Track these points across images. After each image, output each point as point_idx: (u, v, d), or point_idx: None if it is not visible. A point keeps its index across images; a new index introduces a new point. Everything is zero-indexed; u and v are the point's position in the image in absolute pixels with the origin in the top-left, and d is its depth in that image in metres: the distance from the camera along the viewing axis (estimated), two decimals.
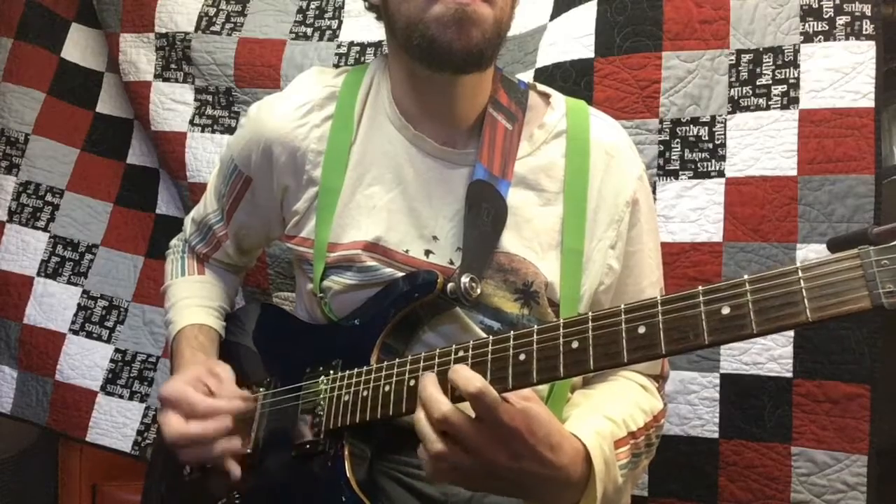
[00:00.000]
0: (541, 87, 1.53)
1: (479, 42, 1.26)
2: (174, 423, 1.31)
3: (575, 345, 1.02)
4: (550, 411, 1.10)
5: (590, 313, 1.03)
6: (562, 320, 1.05)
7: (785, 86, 1.75)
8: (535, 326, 1.07)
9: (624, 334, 0.98)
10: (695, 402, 1.77)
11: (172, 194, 2.37)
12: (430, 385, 1.08)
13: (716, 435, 1.75)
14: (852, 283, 0.84)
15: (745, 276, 0.91)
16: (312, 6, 2.21)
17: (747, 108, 1.78)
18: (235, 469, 1.32)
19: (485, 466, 1.06)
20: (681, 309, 0.95)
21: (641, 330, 0.97)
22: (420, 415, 1.07)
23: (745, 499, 1.72)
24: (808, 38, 1.73)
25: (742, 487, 1.72)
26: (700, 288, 0.94)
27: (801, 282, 0.87)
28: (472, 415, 1.05)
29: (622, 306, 1.00)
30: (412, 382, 1.18)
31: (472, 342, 1.13)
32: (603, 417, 1.24)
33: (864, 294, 0.83)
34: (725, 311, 0.91)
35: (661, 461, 1.50)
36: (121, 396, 2.28)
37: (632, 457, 1.25)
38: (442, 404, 1.04)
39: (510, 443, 1.04)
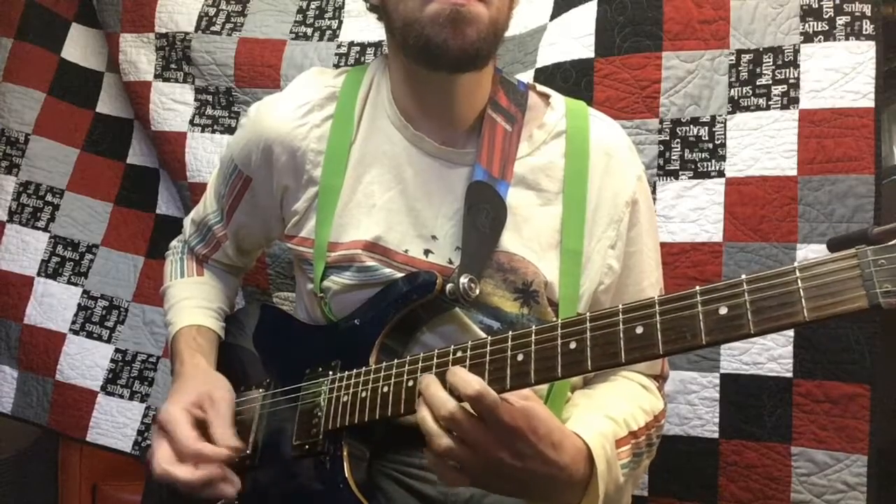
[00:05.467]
0: (540, 87, 1.54)
1: (474, 41, 1.26)
2: (163, 457, 1.29)
3: (573, 345, 1.03)
4: (550, 410, 1.11)
5: (587, 314, 1.03)
6: (559, 321, 1.06)
7: (785, 86, 1.75)
8: (533, 327, 1.08)
9: (622, 334, 0.98)
10: (695, 402, 1.77)
11: (172, 194, 2.37)
12: (432, 384, 1.08)
13: (716, 435, 1.75)
14: (849, 283, 0.84)
15: (743, 276, 0.91)
16: (312, 6, 2.22)
17: (747, 108, 1.77)
18: (236, 488, 1.32)
19: (489, 465, 1.06)
20: (678, 309, 0.95)
21: (639, 330, 0.97)
22: (424, 413, 1.08)
23: (745, 499, 1.72)
24: (808, 38, 1.73)
25: (742, 487, 1.72)
26: (697, 288, 0.94)
27: (799, 281, 0.87)
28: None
29: (620, 306, 1.00)
30: (410, 383, 1.18)
31: (470, 343, 1.14)
32: (604, 417, 1.24)
33: (861, 294, 0.83)
34: (723, 311, 0.91)
35: (661, 461, 1.50)
36: (121, 396, 2.28)
37: (633, 456, 1.25)
38: (448, 401, 1.05)
39: (513, 442, 1.05)
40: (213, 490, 1.29)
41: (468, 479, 1.10)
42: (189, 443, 1.28)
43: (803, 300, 0.86)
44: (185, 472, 1.27)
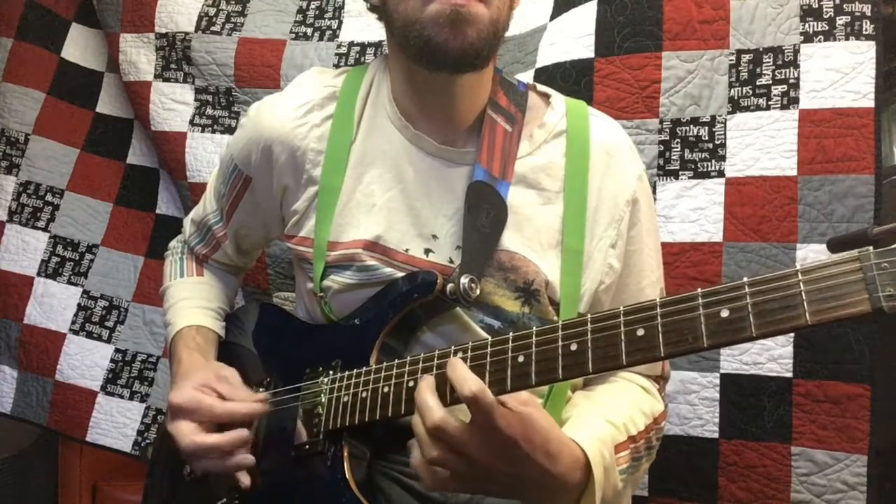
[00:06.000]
0: (540, 87, 1.53)
1: (474, 41, 1.26)
2: (188, 433, 1.31)
3: (574, 347, 1.03)
4: (550, 416, 1.11)
5: (588, 315, 1.03)
6: (560, 322, 1.06)
7: (785, 86, 1.74)
8: (534, 328, 1.08)
9: (623, 336, 0.99)
10: (695, 402, 1.77)
11: (172, 194, 2.37)
12: (425, 391, 1.08)
13: (716, 435, 1.75)
14: (852, 287, 0.84)
15: (745, 279, 0.91)
16: (312, 6, 2.21)
17: (747, 108, 1.77)
18: (245, 480, 1.33)
19: (480, 471, 1.07)
20: (680, 311, 0.95)
21: (640, 332, 0.97)
22: (416, 419, 1.08)
23: (745, 499, 1.72)
24: (808, 38, 1.73)
25: (742, 487, 1.72)
26: (699, 290, 0.94)
27: (801, 284, 0.87)
28: (469, 417, 1.05)
29: (621, 308, 1.01)
30: (411, 384, 1.18)
31: (470, 344, 1.14)
32: (604, 421, 1.24)
33: (863, 297, 0.82)
34: (724, 314, 0.91)
35: (661, 461, 1.50)
36: (121, 396, 2.28)
37: (632, 461, 1.25)
38: (435, 412, 1.05)
39: (506, 449, 1.05)
40: (239, 458, 1.31)
41: (457, 485, 1.10)
42: (217, 406, 1.32)
43: (805, 303, 0.86)
44: (214, 438, 1.30)
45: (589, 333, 1.02)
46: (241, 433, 1.31)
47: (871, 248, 0.83)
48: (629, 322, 0.99)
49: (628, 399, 1.36)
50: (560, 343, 1.04)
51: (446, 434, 1.04)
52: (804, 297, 0.86)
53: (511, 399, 1.06)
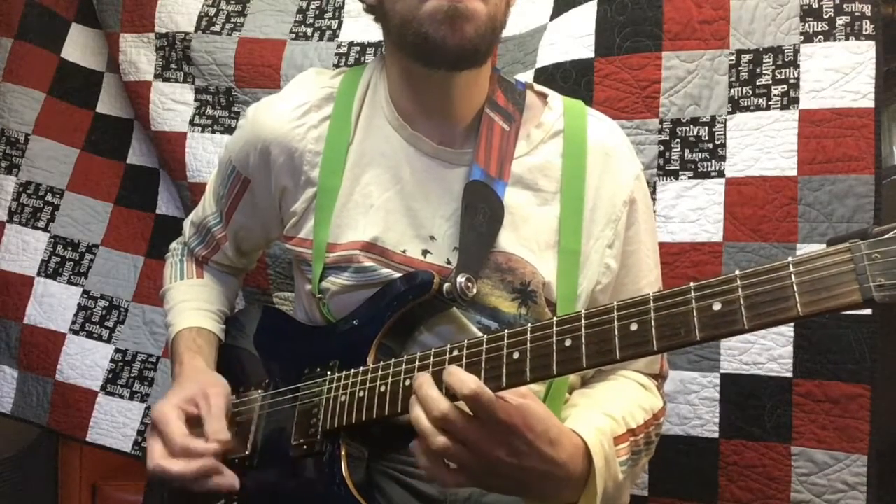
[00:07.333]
0: (538, 87, 1.54)
1: (472, 38, 1.26)
2: (156, 453, 1.29)
3: (568, 343, 1.03)
4: (548, 408, 1.11)
5: (582, 311, 1.03)
6: (555, 318, 1.06)
7: (785, 86, 1.74)
8: (529, 325, 1.08)
9: (616, 331, 0.99)
10: (695, 402, 1.77)
11: (172, 194, 2.37)
12: (425, 384, 1.07)
13: (716, 435, 1.75)
14: (843, 277, 0.84)
15: (737, 272, 0.91)
16: (312, 6, 2.21)
17: (747, 108, 1.77)
18: (234, 483, 1.31)
19: (485, 463, 1.06)
20: (672, 305, 0.95)
21: (633, 327, 0.97)
22: (418, 412, 1.07)
23: (745, 499, 1.72)
24: (808, 38, 1.73)
25: (742, 487, 1.72)
26: (692, 284, 0.95)
27: (792, 276, 0.87)
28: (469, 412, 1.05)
29: (615, 303, 1.01)
30: (408, 382, 1.18)
31: (466, 341, 1.14)
32: (602, 415, 1.24)
33: (854, 288, 0.83)
34: (717, 306, 0.91)
35: (661, 461, 1.50)
36: (121, 396, 2.28)
37: (631, 454, 1.25)
38: (440, 402, 1.05)
39: (509, 440, 1.05)
40: (207, 484, 1.29)
41: (465, 479, 1.09)
42: (178, 438, 1.28)
43: (797, 295, 0.86)
44: (178, 466, 1.27)
45: (583, 329, 1.02)
46: (207, 463, 1.27)
47: (860, 239, 0.84)
48: (622, 317, 0.99)
49: (627, 395, 1.37)
50: (555, 339, 1.04)
51: (452, 424, 1.04)
52: (796, 289, 0.86)
53: (509, 393, 1.07)
